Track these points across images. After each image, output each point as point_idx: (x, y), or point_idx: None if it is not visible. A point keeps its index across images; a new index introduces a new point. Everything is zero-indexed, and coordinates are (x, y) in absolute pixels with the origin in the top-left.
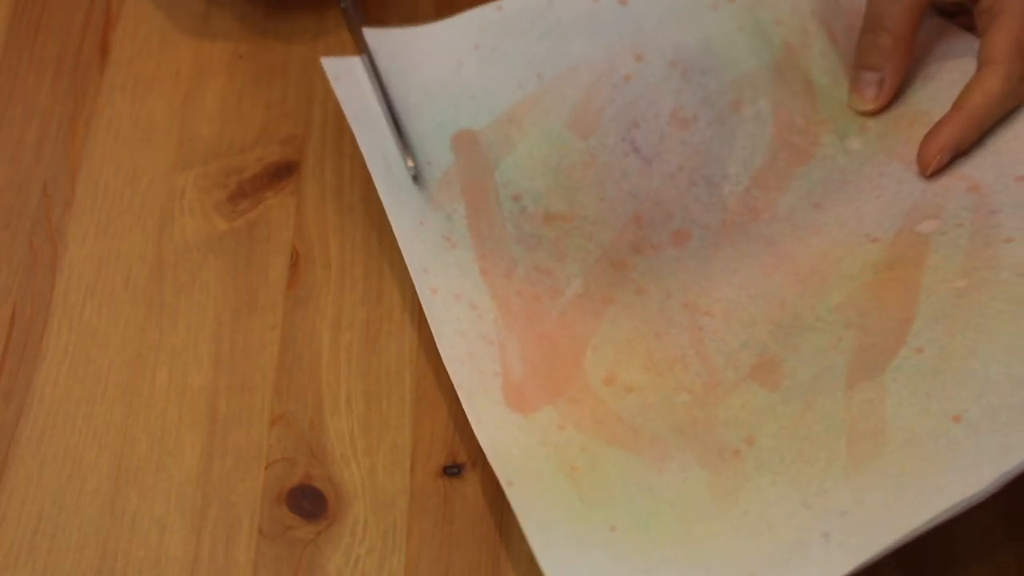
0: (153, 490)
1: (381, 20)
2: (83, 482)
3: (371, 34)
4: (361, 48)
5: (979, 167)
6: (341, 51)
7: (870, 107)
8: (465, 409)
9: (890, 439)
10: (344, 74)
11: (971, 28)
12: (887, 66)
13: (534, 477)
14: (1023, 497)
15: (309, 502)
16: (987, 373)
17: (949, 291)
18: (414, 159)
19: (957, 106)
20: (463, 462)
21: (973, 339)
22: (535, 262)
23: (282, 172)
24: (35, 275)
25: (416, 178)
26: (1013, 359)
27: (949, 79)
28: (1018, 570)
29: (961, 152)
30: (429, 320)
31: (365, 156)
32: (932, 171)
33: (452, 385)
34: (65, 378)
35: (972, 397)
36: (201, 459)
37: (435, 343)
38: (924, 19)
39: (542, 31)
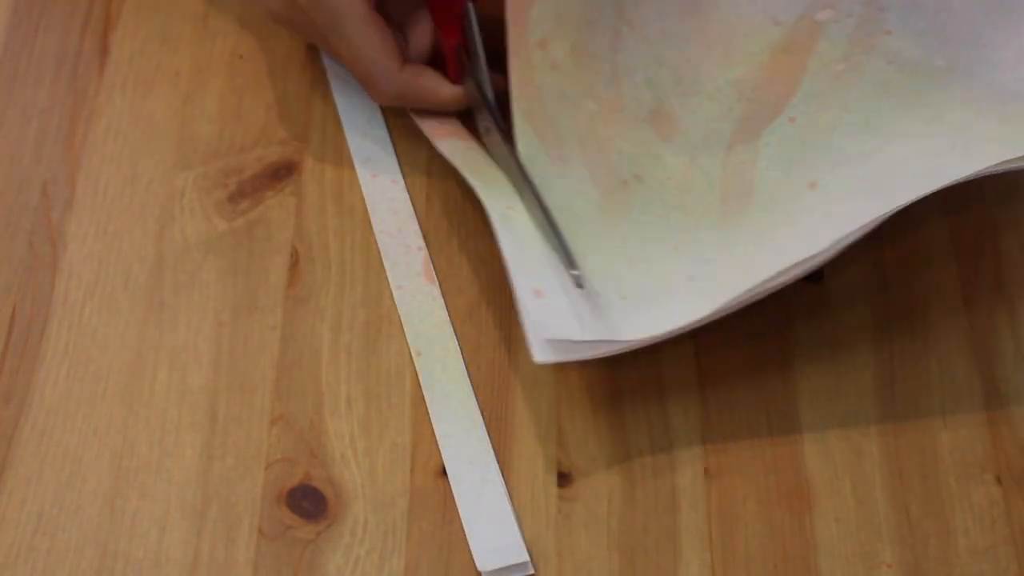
0: (153, 490)
1: None
2: (83, 482)
3: None
4: None
5: None
6: None
7: None
8: (388, 276)
9: (755, 200)
10: None
11: None
12: None
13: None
14: None
15: (309, 502)
16: (843, 146)
17: (829, 74)
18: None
19: None
20: None
21: (838, 115)
22: None
23: (282, 172)
24: (35, 275)
25: None
26: (867, 135)
27: None
28: (1018, 570)
29: None
30: (366, 198)
31: None
32: None
33: None
34: (65, 378)
35: (828, 167)
36: (201, 459)
37: None
38: None
39: None
